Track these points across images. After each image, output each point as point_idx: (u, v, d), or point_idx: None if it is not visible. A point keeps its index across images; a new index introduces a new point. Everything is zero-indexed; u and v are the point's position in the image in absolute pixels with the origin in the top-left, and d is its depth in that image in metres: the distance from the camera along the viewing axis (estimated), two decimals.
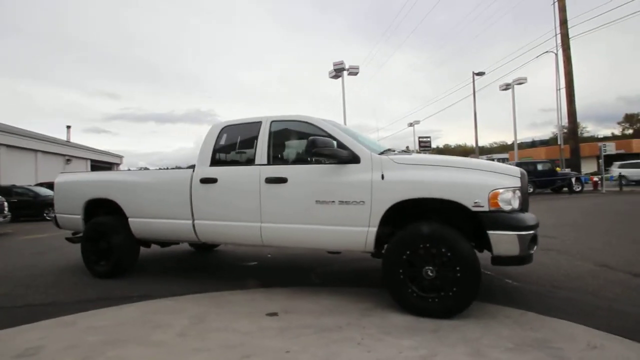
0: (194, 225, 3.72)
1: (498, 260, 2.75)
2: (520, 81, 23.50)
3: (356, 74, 22.28)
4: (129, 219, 4.10)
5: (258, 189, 3.37)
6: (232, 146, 3.83)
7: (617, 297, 3.16)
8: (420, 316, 2.77)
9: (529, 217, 2.76)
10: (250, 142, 3.63)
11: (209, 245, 5.69)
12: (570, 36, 15.51)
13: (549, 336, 2.42)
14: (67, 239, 4.81)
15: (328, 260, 4.84)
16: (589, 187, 18.51)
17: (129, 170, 4.63)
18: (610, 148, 16.93)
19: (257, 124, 3.64)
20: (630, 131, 52.51)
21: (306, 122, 3.44)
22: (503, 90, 24.44)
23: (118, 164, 34.60)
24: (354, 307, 3.03)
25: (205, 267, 4.91)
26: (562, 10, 16.06)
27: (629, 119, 53.96)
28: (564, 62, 16.40)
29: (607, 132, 58.27)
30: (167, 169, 4.43)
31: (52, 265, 5.17)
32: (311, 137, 3.04)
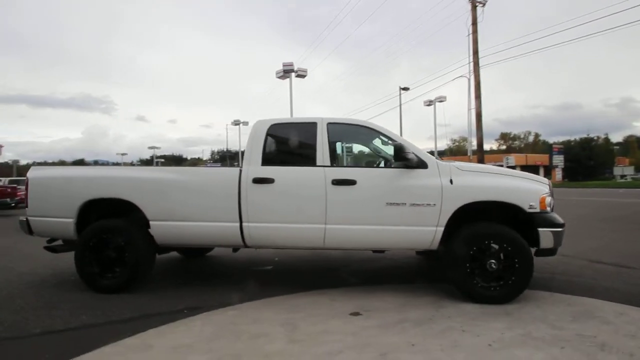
0: (241, 228, 3.50)
1: (540, 252, 3.35)
2: (441, 99, 27.40)
3: (304, 76, 22.61)
4: (151, 222, 3.61)
5: (324, 190, 3.38)
6: (284, 145, 3.75)
7: (595, 277, 4.10)
8: (484, 303, 3.18)
9: (559, 217, 3.43)
10: (306, 143, 3.61)
11: (201, 250, 5.27)
12: (480, 65, 18.58)
13: (587, 309, 3.07)
14: (47, 248, 3.95)
15: (342, 261, 4.99)
16: None
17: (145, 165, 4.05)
18: (512, 161, 20.96)
19: (311, 125, 3.63)
20: (504, 147, 64.84)
21: (368, 127, 3.60)
22: (427, 105, 28.25)
23: None
24: (422, 302, 3.29)
25: (216, 274, 4.59)
26: (475, 42, 19.05)
27: (504, 136, 66.90)
28: (475, 86, 19.40)
29: (486, 147, 70.49)
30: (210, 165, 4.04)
31: (12, 280, 4.13)
32: (397, 143, 3.25)
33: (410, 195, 3.31)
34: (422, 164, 3.37)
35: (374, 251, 3.93)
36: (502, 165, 22.90)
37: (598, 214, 9.93)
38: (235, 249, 3.98)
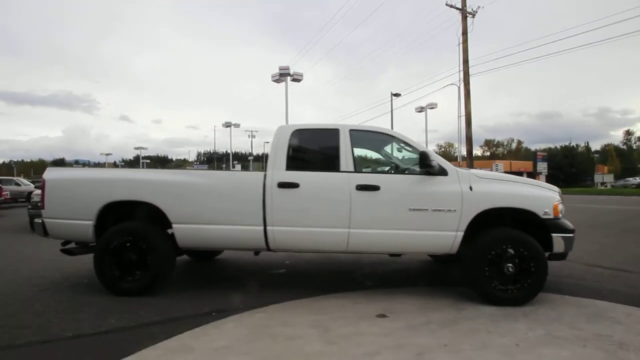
0: (265, 232, 3.55)
1: (551, 257, 3.51)
2: (432, 106, 28.10)
3: (300, 80, 22.68)
4: (174, 225, 3.63)
5: (348, 195, 3.47)
6: (307, 151, 3.82)
7: (597, 280, 4.31)
8: (501, 306, 3.32)
9: (570, 223, 3.61)
10: (329, 149, 3.70)
11: (210, 253, 5.28)
12: (470, 74, 19.10)
13: (598, 310, 3.24)
14: (64, 250, 3.90)
15: (354, 265, 5.07)
16: None
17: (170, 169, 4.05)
18: (501, 167, 21.56)
19: (333, 131, 3.73)
20: (488, 153, 66.73)
21: (390, 135, 3.72)
22: (419, 112, 28.95)
23: None
24: (442, 304, 3.41)
25: (229, 277, 4.60)
26: (465, 51, 19.56)
27: (488, 143, 68.96)
28: (464, 94, 19.89)
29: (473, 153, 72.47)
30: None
31: (21, 283, 4.03)
32: (422, 151, 3.38)
33: (432, 201, 3.43)
34: (443, 171, 3.51)
35: (391, 255, 4.03)
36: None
37: (588, 220, 10.32)
38: (257, 252, 4.02)
